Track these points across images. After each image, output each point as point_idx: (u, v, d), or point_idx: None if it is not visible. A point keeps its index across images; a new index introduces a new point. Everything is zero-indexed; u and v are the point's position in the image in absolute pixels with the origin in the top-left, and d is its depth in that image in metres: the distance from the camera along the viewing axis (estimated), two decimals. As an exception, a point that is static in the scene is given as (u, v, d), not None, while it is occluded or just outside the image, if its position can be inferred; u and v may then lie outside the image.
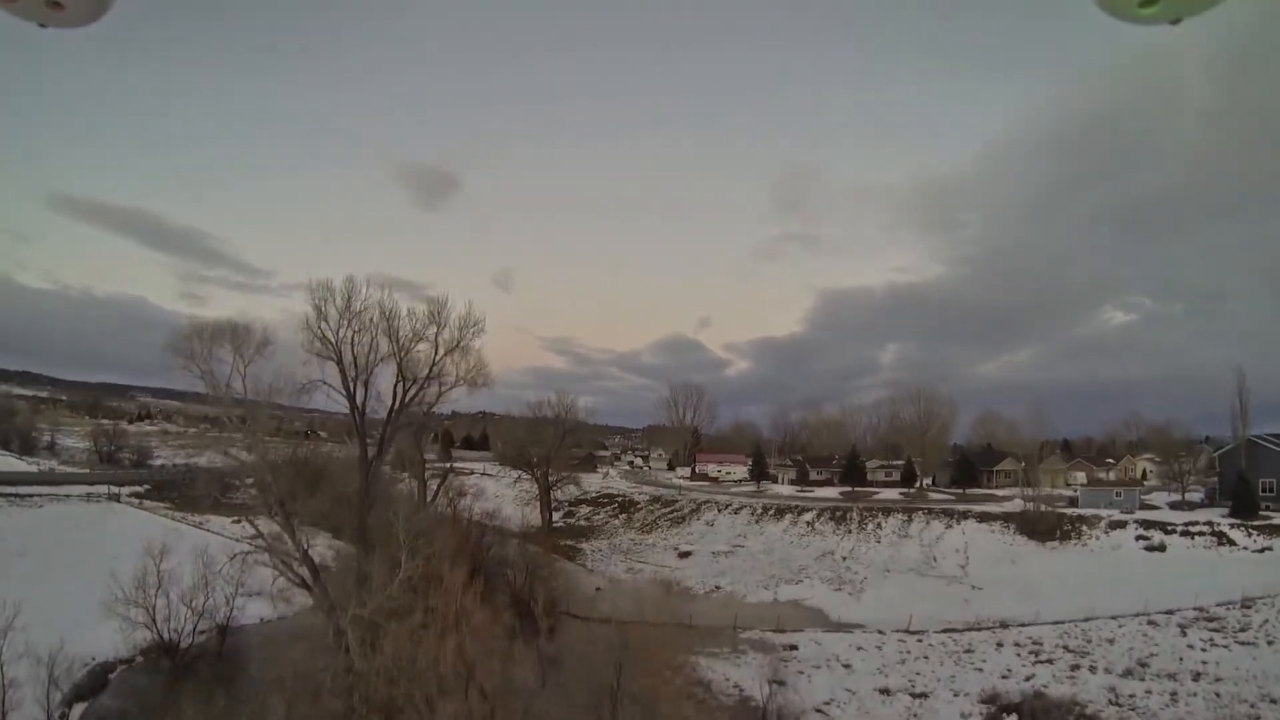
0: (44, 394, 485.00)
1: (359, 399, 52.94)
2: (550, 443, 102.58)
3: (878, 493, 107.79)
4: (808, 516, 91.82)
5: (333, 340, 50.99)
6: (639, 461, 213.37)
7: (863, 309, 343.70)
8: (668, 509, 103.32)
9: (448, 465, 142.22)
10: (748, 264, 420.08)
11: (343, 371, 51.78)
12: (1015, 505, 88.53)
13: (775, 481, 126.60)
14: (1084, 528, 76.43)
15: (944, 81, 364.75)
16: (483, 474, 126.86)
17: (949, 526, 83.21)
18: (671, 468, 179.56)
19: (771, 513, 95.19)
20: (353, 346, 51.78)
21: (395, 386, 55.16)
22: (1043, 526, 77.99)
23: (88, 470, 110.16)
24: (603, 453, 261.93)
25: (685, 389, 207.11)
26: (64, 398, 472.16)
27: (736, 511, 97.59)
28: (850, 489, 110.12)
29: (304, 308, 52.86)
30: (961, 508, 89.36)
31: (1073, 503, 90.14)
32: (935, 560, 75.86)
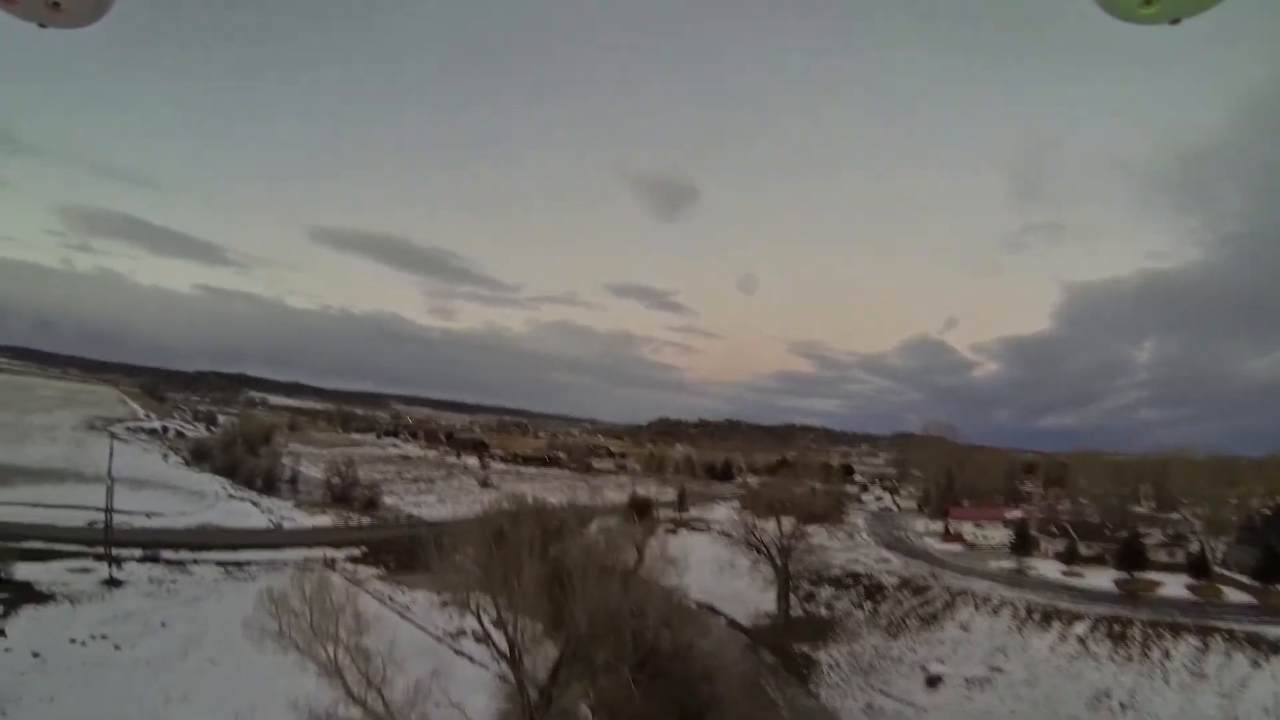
0: (308, 405, 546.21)
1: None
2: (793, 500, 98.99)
3: (1160, 584, 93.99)
4: (1079, 629, 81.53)
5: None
6: (888, 497, 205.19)
7: (1114, 302, 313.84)
8: (918, 599, 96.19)
9: (679, 517, 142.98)
10: (991, 259, 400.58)
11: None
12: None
13: (1038, 549, 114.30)
14: None
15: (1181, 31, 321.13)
16: (719, 532, 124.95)
17: (1256, 665, 70.24)
18: (921, 509, 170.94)
19: (1037, 618, 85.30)
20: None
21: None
22: None
23: (311, 527, 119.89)
24: (850, 483, 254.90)
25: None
26: (325, 407, 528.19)
27: (996, 611, 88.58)
28: (1127, 576, 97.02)
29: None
30: (1274, 631, 75.01)
31: None
32: (1239, 724, 64.19)
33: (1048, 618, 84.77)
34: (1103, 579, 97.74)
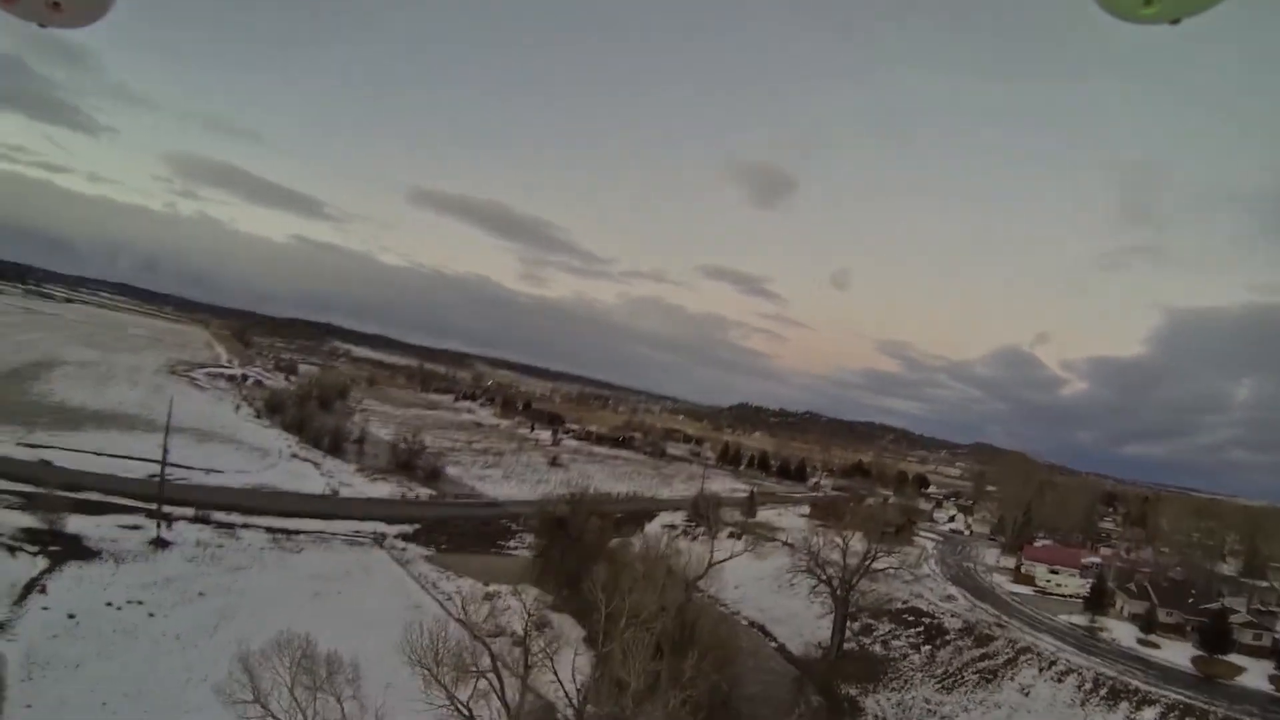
0: (391, 359, 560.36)
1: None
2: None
3: (1243, 670, 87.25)
4: (1148, 716, 75.59)
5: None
6: (961, 518, 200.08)
7: (1215, 333, 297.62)
8: (980, 650, 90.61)
9: (746, 522, 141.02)
10: (1089, 275, 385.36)
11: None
12: None
13: (1113, 606, 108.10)
14: None
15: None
16: (783, 543, 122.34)
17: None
18: (994, 537, 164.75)
19: (1103, 693, 79.23)
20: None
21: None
22: None
23: (366, 498, 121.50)
24: (924, 496, 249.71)
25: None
26: (408, 363, 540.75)
27: (1060, 678, 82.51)
28: (1206, 656, 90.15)
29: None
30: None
31: None
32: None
33: (1115, 695, 78.52)
34: (1180, 655, 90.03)
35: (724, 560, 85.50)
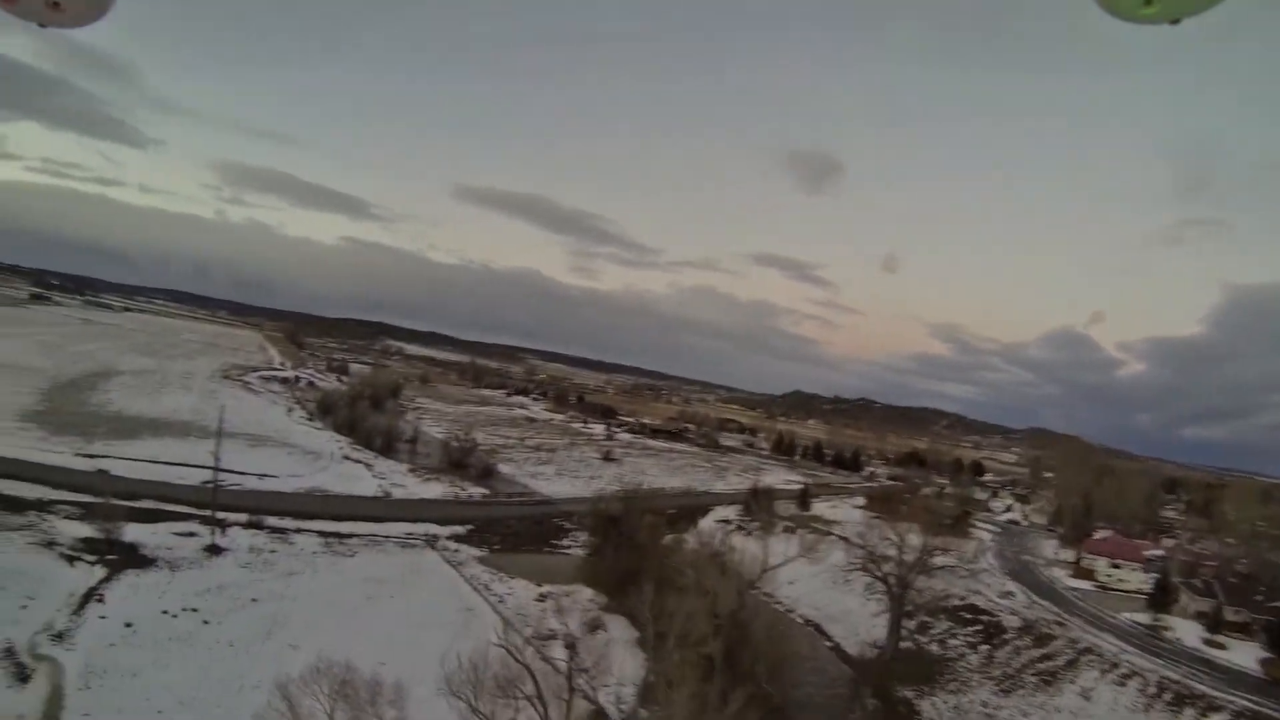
0: (444, 355, 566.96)
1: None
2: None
3: None
4: None
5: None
6: (1016, 509, 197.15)
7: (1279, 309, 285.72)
8: (1039, 650, 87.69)
9: (800, 515, 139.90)
10: (1144, 252, 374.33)
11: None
12: None
13: (1176, 602, 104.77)
14: None
15: None
16: (838, 536, 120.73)
17: None
18: (1052, 528, 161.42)
19: (1168, 698, 75.64)
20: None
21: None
22: None
23: (419, 499, 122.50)
24: (980, 484, 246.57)
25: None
26: (460, 359, 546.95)
27: (1123, 681, 79.15)
28: (1274, 658, 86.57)
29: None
30: None
31: None
32: None
33: (1180, 700, 75.05)
34: (1247, 657, 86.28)
35: (778, 566, 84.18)
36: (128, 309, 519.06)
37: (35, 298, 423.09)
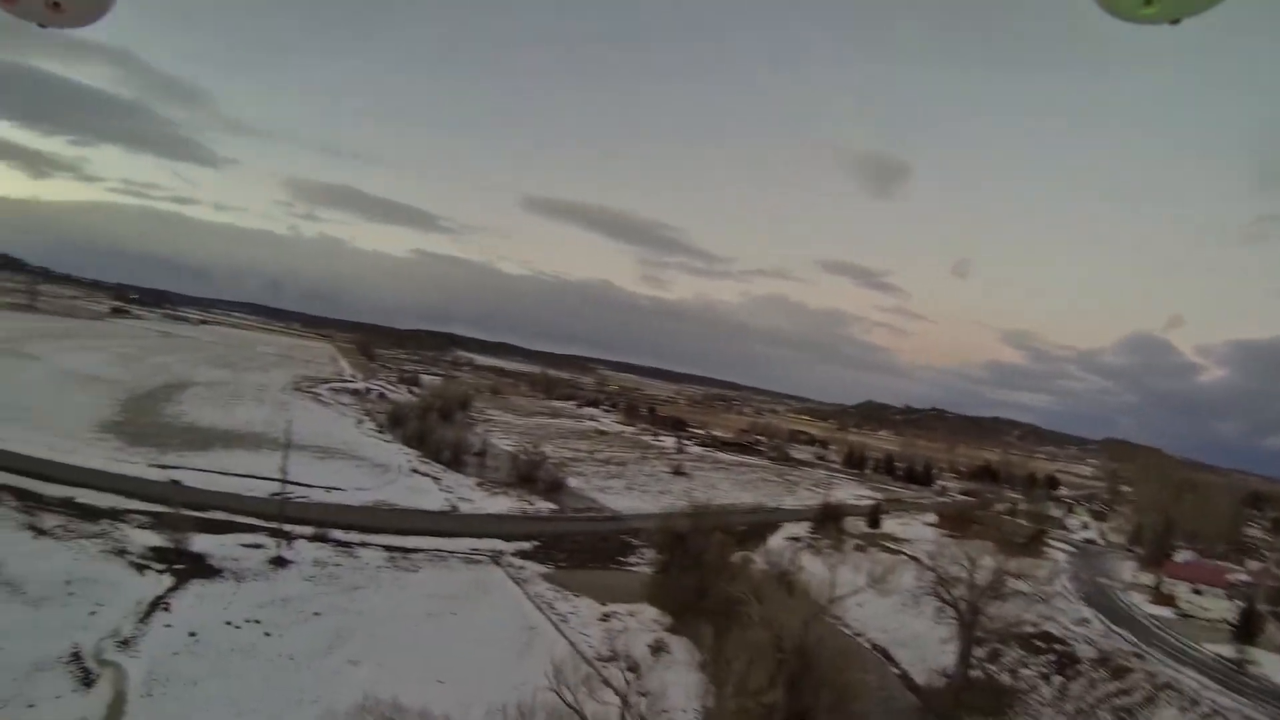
0: (514, 366, 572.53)
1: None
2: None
3: None
4: None
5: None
6: (1093, 528, 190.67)
7: None
8: (1115, 684, 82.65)
9: (871, 533, 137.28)
10: (1223, 250, 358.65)
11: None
12: None
13: (1263, 633, 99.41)
14: None
15: None
16: (908, 556, 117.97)
17: None
18: (1131, 548, 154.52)
19: None
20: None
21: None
22: None
23: (486, 514, 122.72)
24: (1054, 501, 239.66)
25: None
26: (531, 369, 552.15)
27: None
28: None
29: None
30: None
31: None
32: None
33: None
34: None
35: (845, 596, 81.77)
36: (204, 321, 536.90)
37: (116, 311, 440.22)
